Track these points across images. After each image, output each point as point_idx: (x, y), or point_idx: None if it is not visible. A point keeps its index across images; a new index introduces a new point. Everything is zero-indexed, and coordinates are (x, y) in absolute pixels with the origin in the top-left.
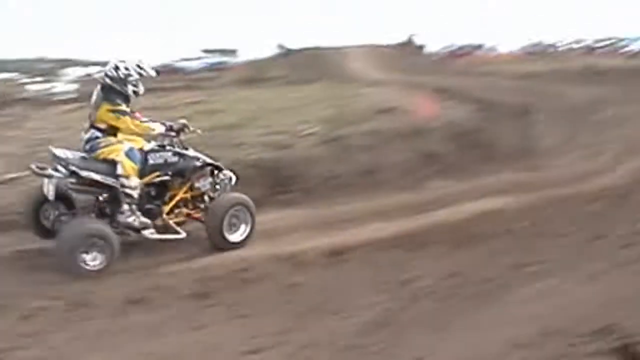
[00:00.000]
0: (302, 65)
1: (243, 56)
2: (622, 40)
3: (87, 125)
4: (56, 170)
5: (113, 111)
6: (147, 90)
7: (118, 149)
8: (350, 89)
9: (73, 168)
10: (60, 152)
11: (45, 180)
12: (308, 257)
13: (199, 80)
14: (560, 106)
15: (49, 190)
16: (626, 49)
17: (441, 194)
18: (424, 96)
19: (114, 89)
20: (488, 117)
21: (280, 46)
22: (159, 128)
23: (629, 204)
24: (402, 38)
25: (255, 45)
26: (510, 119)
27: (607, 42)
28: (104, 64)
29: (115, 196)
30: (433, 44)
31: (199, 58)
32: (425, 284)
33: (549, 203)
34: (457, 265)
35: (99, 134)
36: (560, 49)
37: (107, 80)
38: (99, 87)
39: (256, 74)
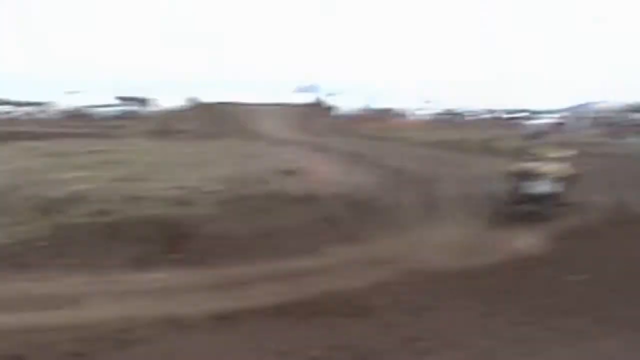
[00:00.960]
0: (212, 119)
1: (155, 106)
2: (533, 112)
3: None
4: None
5: None
6: (49, 135)
7: None
8: (256, 147)
9: None
10: None
11: None
12: (193, 320)
13: (107, 128)
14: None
15: None
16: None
17: (340, 259)
18: (324, 161)
19: None
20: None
21: (191, 99)
22: None
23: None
24: (312, 98)
25: (168, 96)
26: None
27: (518, 114)
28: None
29: None
30: (342, 105)
31: (111, 105)
32: (311, 356)
33: (447, 275)
34: (348, 336)
35: None
36: (469, 117)
37: None
38: None
39: (165, 126)
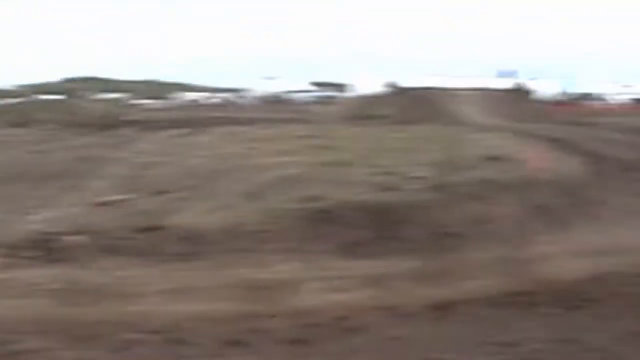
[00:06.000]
0: (411, 105)
1: (352, 91)
2: None
3: None
4: None
5: None
6: (250, 121)
7: None
8: (459, 133)
9: None
10: None
11: None
12: (411, 309)
13: (304, 113)
14: None
15: None
16: None
17: (554, 249)
18: (532, 147)
19: None
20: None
21: (390, 84)
22: None
23: None
24: (511, 83)
25: (366, 81)
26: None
27: None
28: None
29: None
30: (542, 90)
31: (307, 91)
32: (535, 348)
33: None
34: (570, 329)
35: None
36: None
37: None
38: None
39: (364, 111)
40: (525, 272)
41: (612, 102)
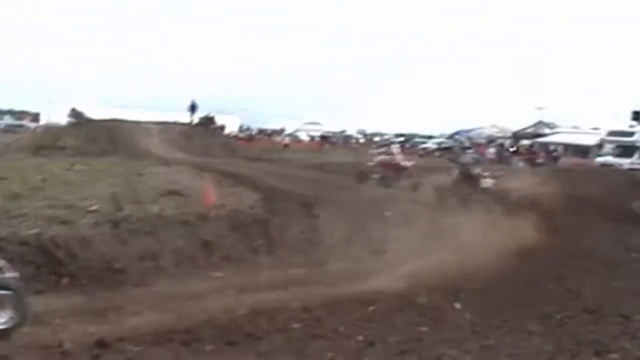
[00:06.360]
0: (97, 137)
1: (41, 120)
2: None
3: None
4: None
5: None
6: None
7: None
8: (142, 167)
9: None
10: None
11: None
12: (72, 346)
13: None
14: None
15: None
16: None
17: (221, 284)
18: (209, 182)
19: None
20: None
21: (74, 114)
22: None
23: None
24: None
25: (56, 110)
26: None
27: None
28: None
29: None
30: (229, 125)
31: None
32: None
33: (326, 303)
34: None
35: None
36: (360, 140)
37: None
38: None
39: (48, 142)
40: (189, 308)
41: (300, 138)
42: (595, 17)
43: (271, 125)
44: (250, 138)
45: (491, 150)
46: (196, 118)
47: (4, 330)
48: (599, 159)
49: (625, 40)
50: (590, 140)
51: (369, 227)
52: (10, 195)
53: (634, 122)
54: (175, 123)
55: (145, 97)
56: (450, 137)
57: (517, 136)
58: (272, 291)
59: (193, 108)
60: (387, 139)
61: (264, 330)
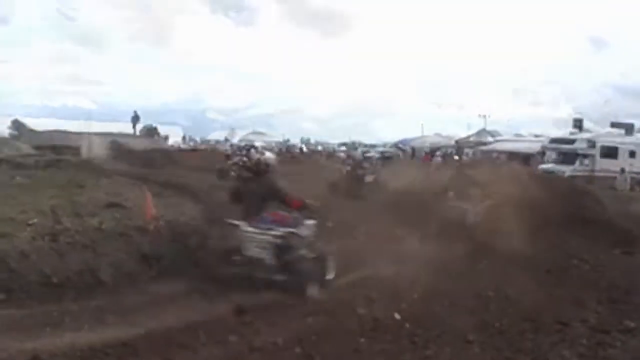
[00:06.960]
0: (40, 148)
1: None
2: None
3: None
4: None
5: None
6: None
7: None
8: (83, 179)
9: None
10: None
11: None
12: None
13: None
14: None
15: None
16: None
17: (158, 297)
18: (149, 194)
19: None
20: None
21: (16, 123)
22: None
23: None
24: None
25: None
26: None
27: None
28: None
29: None
30: (172, 136)
31: None
32: None
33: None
34: None
35: None
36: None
37: None
38: None
39: None
40: (127, 322)
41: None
42: (535, 26)
43: (215, 135)
44: (194, 149)
45: (438, 160)
46: (139, 129)
47: None
48: (543, 166)
49: (566, 49)
50: (533, 147)
51: None
52: None
53: (575, 130)
54: (118, 134)
55: (89, 107)
56: (394, 145)
57: (460, 145)
58: (209, 304)
59: (135, 119)
60: (332, 149)
61: (201, 342)
